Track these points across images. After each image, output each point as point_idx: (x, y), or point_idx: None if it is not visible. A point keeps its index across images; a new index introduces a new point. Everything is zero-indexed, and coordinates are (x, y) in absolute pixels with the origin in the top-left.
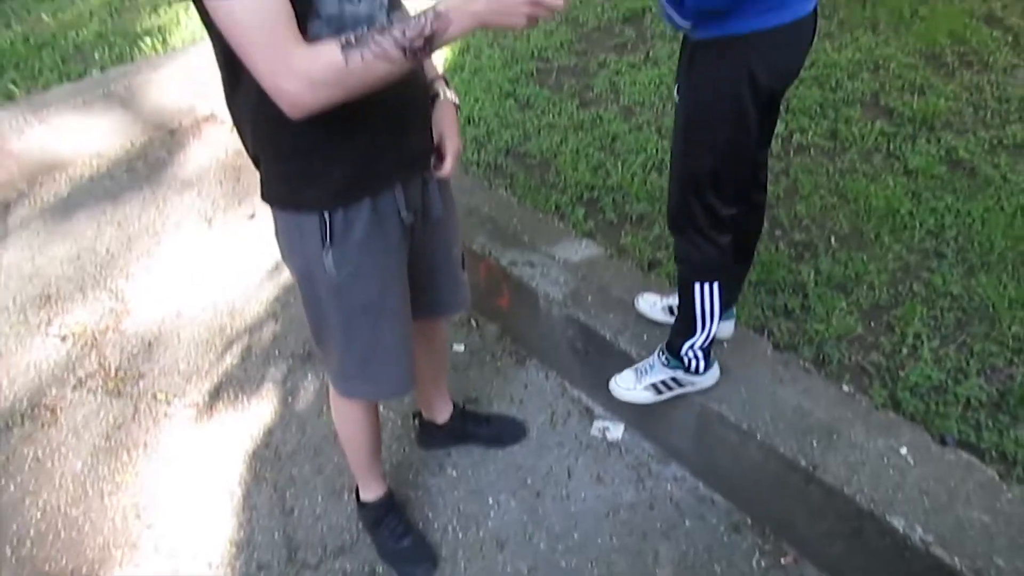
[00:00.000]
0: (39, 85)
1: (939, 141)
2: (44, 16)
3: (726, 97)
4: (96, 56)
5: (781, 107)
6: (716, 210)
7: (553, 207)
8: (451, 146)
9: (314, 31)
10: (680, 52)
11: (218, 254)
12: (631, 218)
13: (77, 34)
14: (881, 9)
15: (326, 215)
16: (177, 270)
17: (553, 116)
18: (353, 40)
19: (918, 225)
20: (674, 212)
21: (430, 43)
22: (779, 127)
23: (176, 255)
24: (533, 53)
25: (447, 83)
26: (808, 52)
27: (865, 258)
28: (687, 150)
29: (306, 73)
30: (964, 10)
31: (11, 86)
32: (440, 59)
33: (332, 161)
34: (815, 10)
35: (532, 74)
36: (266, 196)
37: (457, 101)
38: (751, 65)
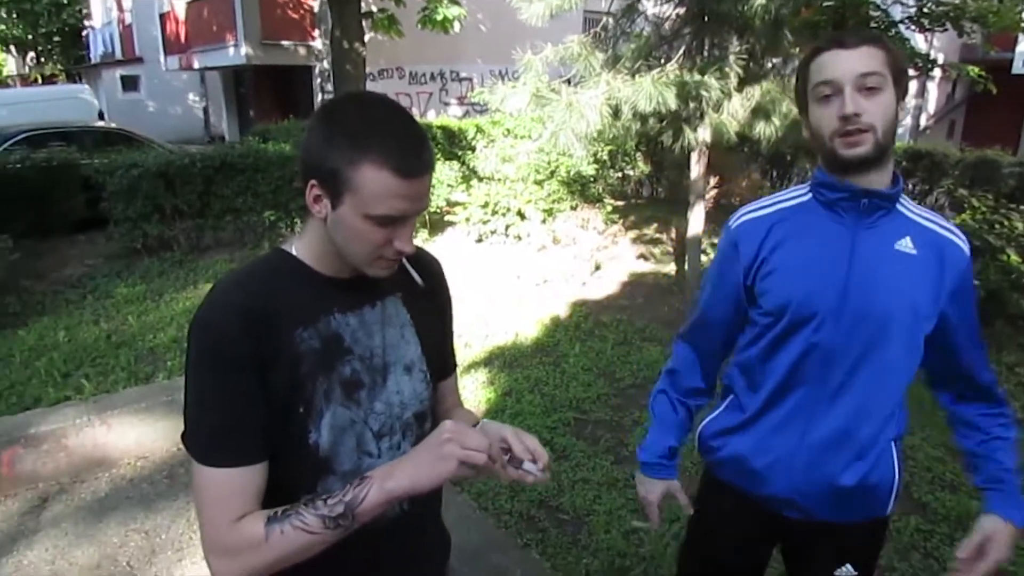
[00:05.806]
0: (108, 382)
1: None
2: (130, 318)
3: None
4: (167, 361)
5: None
6: None
7: (584, 573)
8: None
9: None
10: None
11: None
12: None
13: (154, 336)
14: None
15: None
16: None
17: (588, 471)
18: (279, 513)
19: None
20: None
21: (350, 509)
22: None
23: None
24: (571, 403)
25: None
26: None
27: None
28: None
29: (230, 549)
30: None
31: (83, 380)
32: (483, 400)
33: None
34: None
35: (569, 424)
36: None
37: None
38: None
